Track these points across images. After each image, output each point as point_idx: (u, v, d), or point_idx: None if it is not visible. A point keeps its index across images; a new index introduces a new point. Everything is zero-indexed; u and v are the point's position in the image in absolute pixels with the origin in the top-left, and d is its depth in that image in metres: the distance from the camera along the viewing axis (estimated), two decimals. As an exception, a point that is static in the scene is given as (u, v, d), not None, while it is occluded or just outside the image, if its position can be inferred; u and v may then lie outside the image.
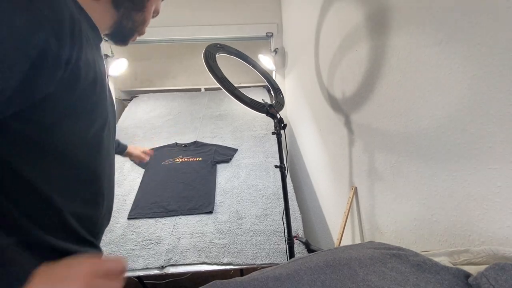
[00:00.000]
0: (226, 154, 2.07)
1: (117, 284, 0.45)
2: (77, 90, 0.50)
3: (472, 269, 0.51)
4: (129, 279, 1.66)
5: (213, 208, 1.67)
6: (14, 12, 0.39)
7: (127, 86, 3.17)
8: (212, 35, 2.63)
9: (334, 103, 1.49)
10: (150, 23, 0.68)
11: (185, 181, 1.84)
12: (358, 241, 1.29)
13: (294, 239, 1.27)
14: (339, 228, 1.32)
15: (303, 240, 1.47)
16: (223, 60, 1.31)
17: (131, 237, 1.50)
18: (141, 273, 1.34)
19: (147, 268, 1.34)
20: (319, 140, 1.78)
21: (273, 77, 2.64)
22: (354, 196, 1.29)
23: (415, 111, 0.88)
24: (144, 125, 2.44)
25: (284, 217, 1.23)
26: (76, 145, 0.54)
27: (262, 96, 1.70)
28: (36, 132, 0.47)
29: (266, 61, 2.48)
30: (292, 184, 1.86)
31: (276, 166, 1.23)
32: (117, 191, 1.79)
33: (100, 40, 0.62)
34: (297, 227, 1.56)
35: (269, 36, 2.68)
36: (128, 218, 1.62)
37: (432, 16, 0.79)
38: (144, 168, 1.96)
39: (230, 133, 2.29)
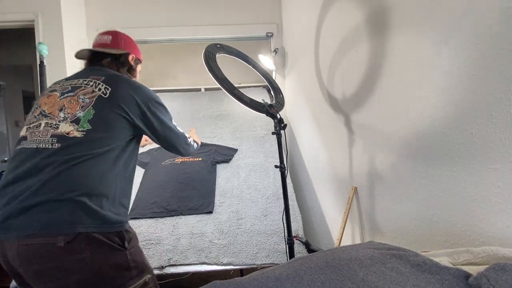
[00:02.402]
0: (226, 154, 2.07)
1: None
2: None
3: (472, 269, 0.51)
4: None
5: (213, 208, 1.67)
6: None
7: (127, 86, 3.16)
8: (212, 35, 2.63)
9: (334, 103, 1.49)
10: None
11: (185, 181, 1.83)
12: (358, 241, 1.29)
13: (294, 239, 1.27)
14: (339, 228, 1.32)
15: (303, 240, 1.46)
16: (223, 60, 1.31)
17: (131, 237, 1.49)
18: (141, 273, 1.33)
19: (147, 268, 1.34)
20: (319, 140, 1.78)
21: (273, 77, 2.64)
22: (354, 196, 1.29)
23: (415, 111, 0.88)
24: (144, 125, 2.42)
25: (284, 217, 1.23)
26: None
27: (262, 96, 1.70)
28: None
29: (266, 61, 2.48)
30: (292, 184, 1.86)
31: (276, 166, 1.23)
32: (117, 191, 1.78)
33: None
34: (297, 227, 1.56)
35: (269, 36, 2.68)
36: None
37: (432, 16, 0.79)
38: (144, 168, 1.96)
39: (230, 133, 2.29)
